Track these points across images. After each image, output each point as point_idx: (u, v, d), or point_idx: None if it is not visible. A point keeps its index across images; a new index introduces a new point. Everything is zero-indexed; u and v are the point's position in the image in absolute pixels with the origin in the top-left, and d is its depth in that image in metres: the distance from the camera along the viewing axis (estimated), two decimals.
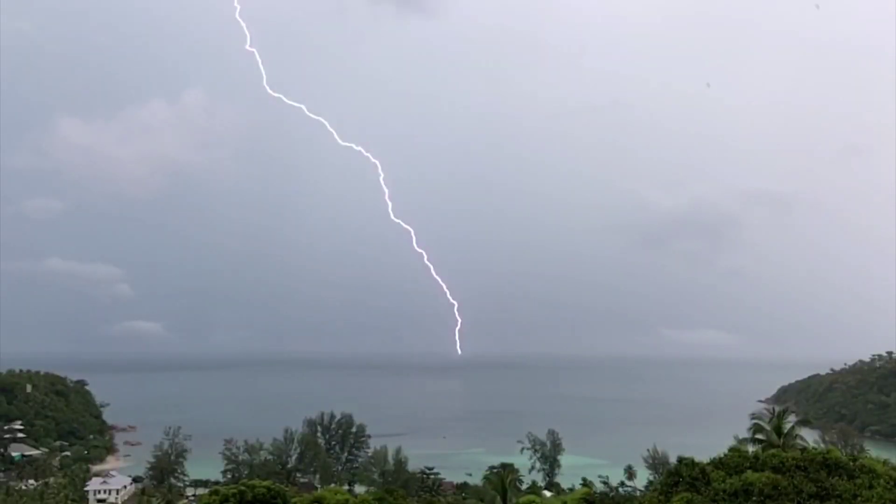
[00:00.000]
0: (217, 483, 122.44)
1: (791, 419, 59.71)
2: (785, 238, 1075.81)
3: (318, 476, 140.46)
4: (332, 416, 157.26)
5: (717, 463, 33.90)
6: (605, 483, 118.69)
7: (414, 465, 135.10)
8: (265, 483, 48.19)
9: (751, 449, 44.72)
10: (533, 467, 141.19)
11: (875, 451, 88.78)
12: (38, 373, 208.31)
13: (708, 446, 47.51)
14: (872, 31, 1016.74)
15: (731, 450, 35.66)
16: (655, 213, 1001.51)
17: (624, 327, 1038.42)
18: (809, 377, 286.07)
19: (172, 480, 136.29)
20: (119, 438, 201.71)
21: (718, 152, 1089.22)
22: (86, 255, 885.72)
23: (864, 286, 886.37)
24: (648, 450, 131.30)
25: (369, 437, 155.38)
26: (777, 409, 62.50)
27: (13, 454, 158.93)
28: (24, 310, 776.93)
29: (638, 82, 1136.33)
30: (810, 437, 79.43)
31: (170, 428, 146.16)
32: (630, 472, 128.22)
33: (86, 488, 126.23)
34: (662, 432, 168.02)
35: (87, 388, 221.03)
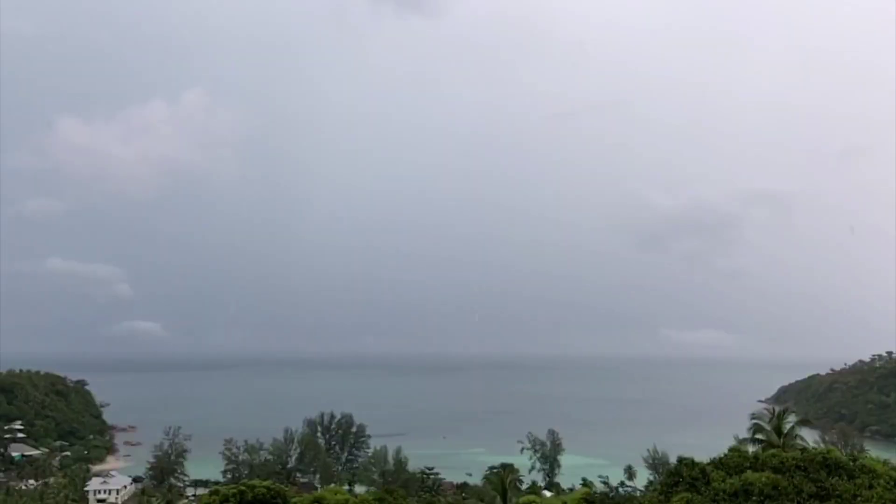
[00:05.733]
0: (217, 483, 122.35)
1: (791, 419, 59.63)
2: (785, 238, 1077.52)
3: (318, 476, 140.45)
4: (332, 416, 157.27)
5: (717, 463, 33.89)
6: (605, 483, 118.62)
7: (414, 465, 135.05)
8: (265, 483, 48.20)
9: (751, 449, 44.76)
10: (533, 467, 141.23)
11: (875, 451, 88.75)
12: (38, 373, 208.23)
13: (708, 446, 47.55)
14: (873, 31, 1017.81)
15: (731, 450, 35.66)
16: (655, 213, 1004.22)
17: (624, 327, 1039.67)
18: (809, 377, 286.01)
19: (172, 480, 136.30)
20: (119, 438, 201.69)
21: (718, 152, 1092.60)
22: (86, 255, 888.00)
23: (865, 286, 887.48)
24: (648, 450, 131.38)
25: (369, 437, 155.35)
26: (777, 409, 62.43)
27: (13, 454, 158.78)
28: (24, 310, 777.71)
29: (638, 82, 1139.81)
30: (810, 437, 79.39)
31: (170, 428, 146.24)
32: (630, 472, 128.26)
33: (86, 488, 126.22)
34: (662, 432, 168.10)
35: (87, 388, 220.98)
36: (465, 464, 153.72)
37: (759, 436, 57.41)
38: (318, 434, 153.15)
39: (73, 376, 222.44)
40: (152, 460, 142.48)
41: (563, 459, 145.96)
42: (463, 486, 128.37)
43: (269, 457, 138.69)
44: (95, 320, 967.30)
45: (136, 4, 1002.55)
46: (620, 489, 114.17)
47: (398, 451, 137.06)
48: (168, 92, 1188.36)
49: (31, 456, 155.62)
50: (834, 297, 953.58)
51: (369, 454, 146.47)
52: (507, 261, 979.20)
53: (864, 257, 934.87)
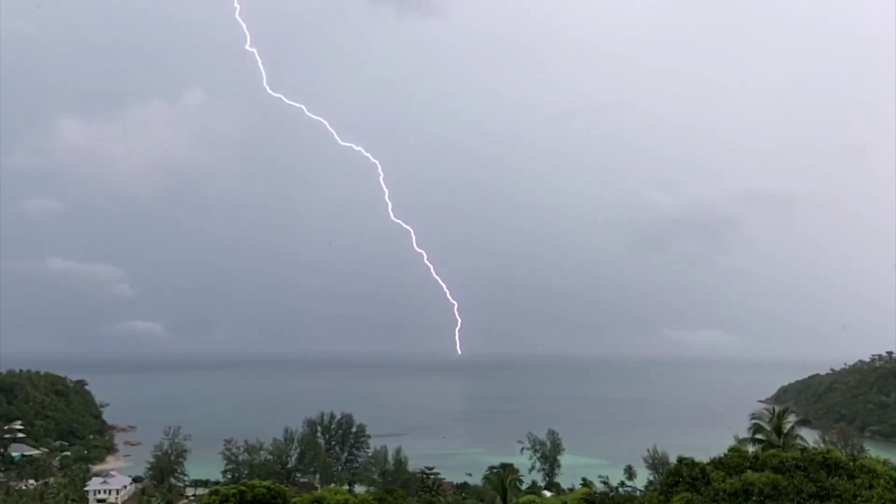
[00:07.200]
0: (217, 483, 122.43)
1: (791, 419, 59.66)
2: (785, 238, 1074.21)
3: (318, 476, 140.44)
4: (332, 416, 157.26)
5: (717, 463, 33.86)
6: (605, 483, 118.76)
7: (414, 465, 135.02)
8: (265, 483, 48.23)
9: (751, 449, 44.75)
10: (533, 467, 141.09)
11: (875, 451, 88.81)
12: (38, 373, 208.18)
13: (708, 446, 47.58)
14: (873, 30, 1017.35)
15: (731, 450, 35.60)
16: (655, 213, 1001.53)
17: (624, 327, 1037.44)
18: (809, 377, 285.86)
19: (172, 480, 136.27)
20: (119, 438, 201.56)
21: (718, 152, 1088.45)
22: (86, 255, 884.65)
23: (865, 286, 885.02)
24: (648, 450, 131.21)
25: (369, 437, 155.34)
26: (777, 409, 62.38)
27: (13, 454, 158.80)
28: (24, 310, 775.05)
29: (638, 82, 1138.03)
30: (810, 437, 79.43)
31: (170, 428, 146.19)
32: (630, 472, 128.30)
33: (86, 488, 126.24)
34: (662, 432, 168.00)
35: (87, 388, 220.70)
36: (465, 464, 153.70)
37: (759, 436, 57.44)
38: (318, 434, 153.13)
39: (73, 376, 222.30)
40: (152, 460, 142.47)
41: (563, 459, 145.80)
42: (463, 486, 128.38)
43: (269, 457, 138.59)
44: (95, 320, 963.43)
45: (136, 4, 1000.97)
46: (620, 489, 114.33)
47: (398, 451, 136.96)
48: (168, 92, 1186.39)
49: (31, 456, 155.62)
50: (834, 297, 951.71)
51: (369, 454, 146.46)
52: (507, 261, 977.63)
53: (864, 257, 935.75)
